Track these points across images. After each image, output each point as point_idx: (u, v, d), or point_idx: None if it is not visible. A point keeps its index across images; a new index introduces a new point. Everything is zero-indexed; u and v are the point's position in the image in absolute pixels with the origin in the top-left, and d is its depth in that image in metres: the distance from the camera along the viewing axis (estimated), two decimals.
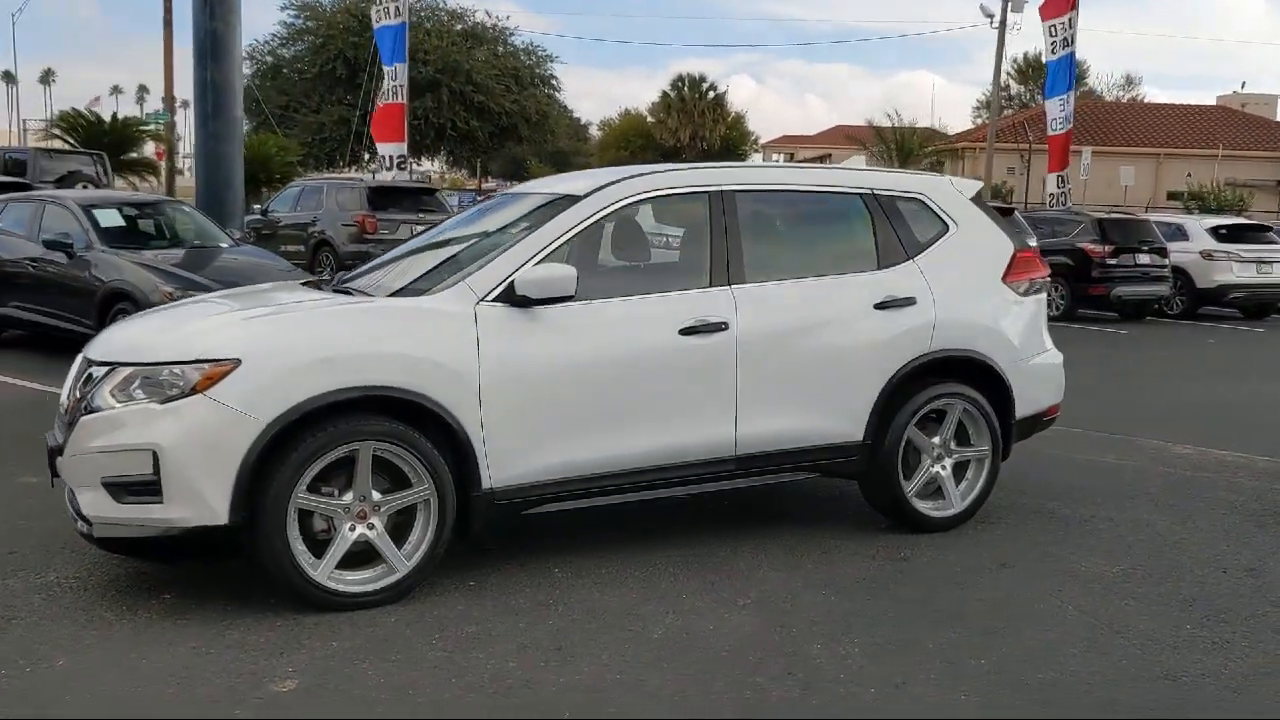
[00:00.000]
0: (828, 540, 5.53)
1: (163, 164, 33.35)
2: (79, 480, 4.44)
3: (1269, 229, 20.50)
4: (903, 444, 5.53)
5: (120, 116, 34.61)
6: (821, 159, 57.78)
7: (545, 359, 4.76)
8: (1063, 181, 24.54)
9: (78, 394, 4.57)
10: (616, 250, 5.69)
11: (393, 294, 4.91)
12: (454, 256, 5.15)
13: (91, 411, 4.40)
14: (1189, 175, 43.90)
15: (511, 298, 4.72)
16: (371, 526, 4.51)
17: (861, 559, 5.27)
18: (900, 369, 5.47)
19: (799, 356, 5.27)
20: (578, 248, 5.30)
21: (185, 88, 15.76)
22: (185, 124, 51.04)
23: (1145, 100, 66.19)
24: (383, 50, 21.89)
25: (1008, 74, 65.23)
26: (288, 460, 4.29)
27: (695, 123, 62.76)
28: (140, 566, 4.86)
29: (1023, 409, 5.87)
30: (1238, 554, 5.49)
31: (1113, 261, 17.79)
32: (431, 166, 50.69)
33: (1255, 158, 48.32)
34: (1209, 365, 13.81)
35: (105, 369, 4.47)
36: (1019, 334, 5.87)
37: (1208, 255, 18.81)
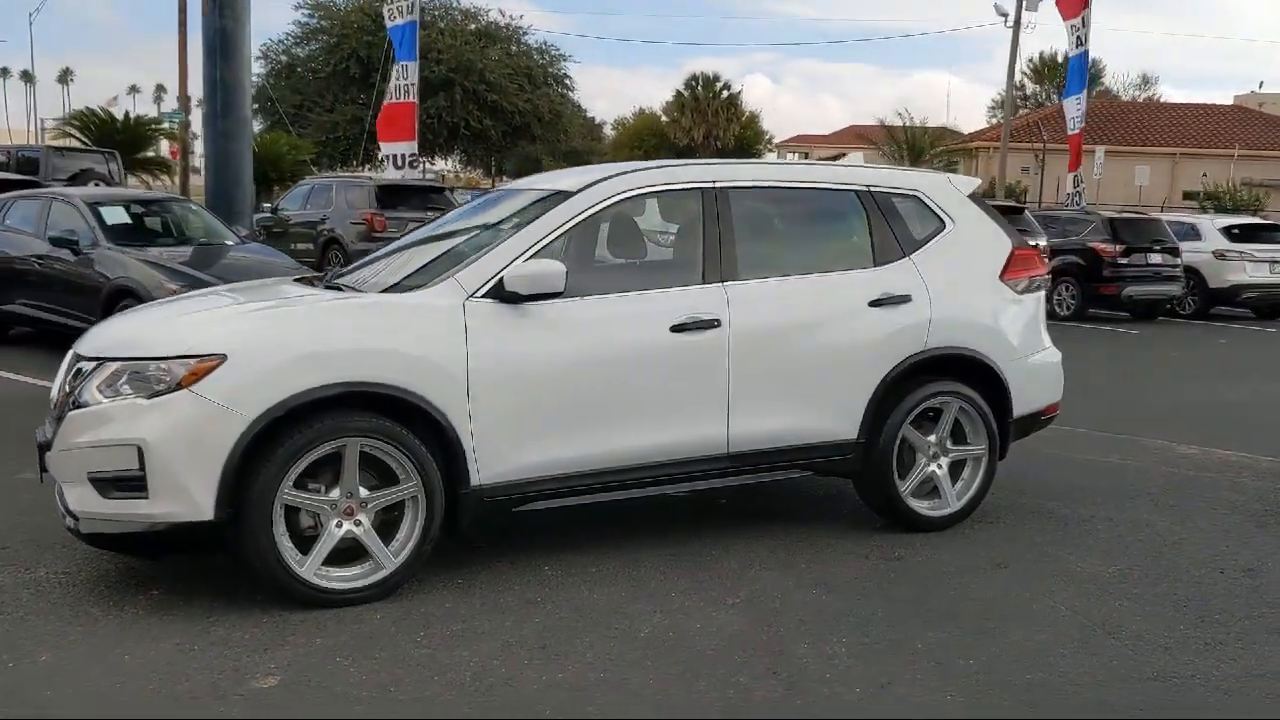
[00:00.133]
0: (822, 539, 5.50)
1: (177, 162, 33.46)
2: (66, 475, 4.43)
3: None
4: (897, 443, 5.49)
5: (133, 115, 34.76)
6: (835, 158, 57.71)
7: (535, 355, 4.73)
8: (1077, 181, 24.45)
9: (67, 389, 4.57)
10: (613, 247, 5.66)
11: (382, 290, 4.90)
12: (446, 252, 5.14)
13: (79, 407, 4.40)
14: (1204, 175, 43.62)
15: (501, 294, 4.69)
16: (359, 523, 4.49)
17: (855, 558, 5.23)
18: (895, 367, 5.43)
19: (792, 354, 5.23)
20: (573, 244, 5.28)
21: (199, 86, 15.75)
22: (200, 123, 51.16)
23: (1161, 100, 65.81)
24: (402, 47, 21.87)
25: (1023, 73, 65.02)
26: (273, 456, 4.28)
27: (709, 122, 62.70)
28: (129, 562, 4.85)
29: (1020, 408, 5.82)
30: (1236, 554, 5.43)
31: (1124, 261, 17.69)
32: (445, 166, 50.75)
33: (1272, 157, 47.95)
34: (1219, 365, 13.71)
35: (93, 364, 4.47)
36: (1016, 332, 5.83)
37: (1220, 255, 18.68)
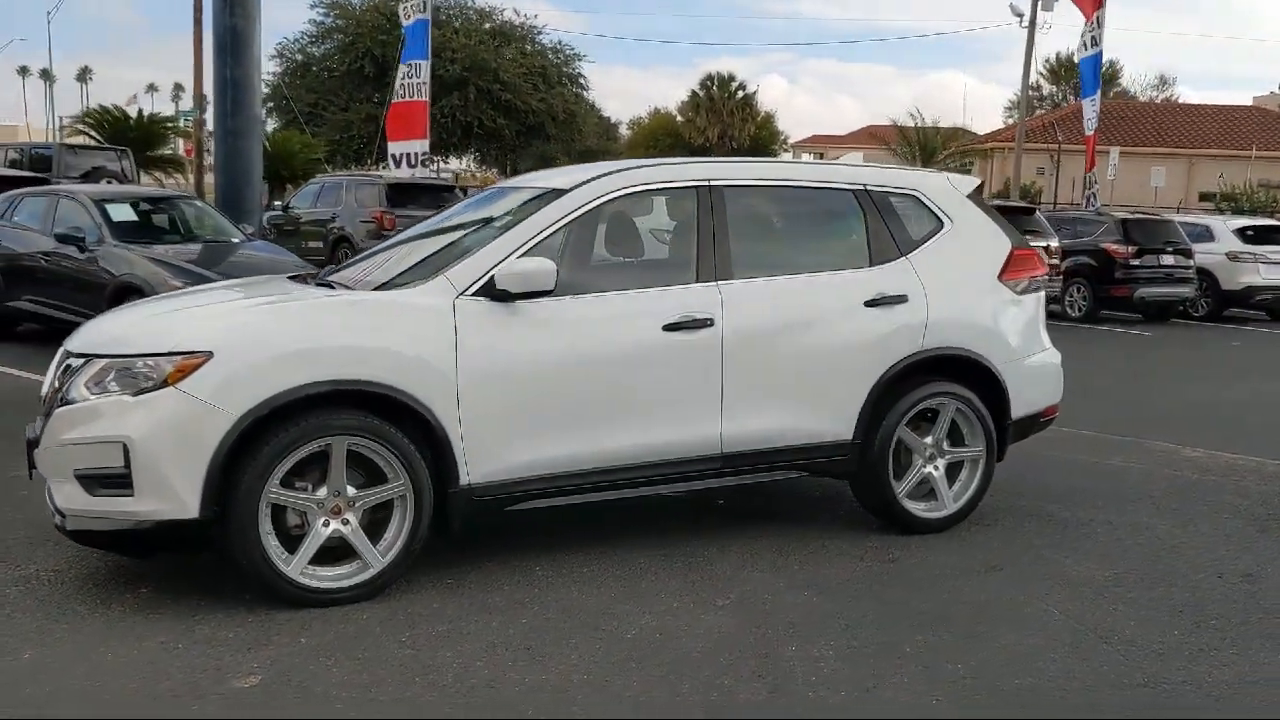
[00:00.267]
0: (817, 540, 5.45)
1: (192, 160, 33.57)
2: (53, 472, 4.43)
3: None
4: (893, 444, 5.44)
5: (147, 113, 34.89)
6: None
7: (526, 354, 4.71)
8: (1090, 181, 24.33)
9: (56, 385, 4.56)
10: (610, 245, 5.64)
11: (372, 287, 4.88)
12: (439, 250, 5.11)
13: (67, 403, 4.39)
14: (1221, 176, 43.31)
15: (492, 292, 4.67)
16: (346, 522, 4.47)
17: (849, 560, 5.19)
18: (891, 367, 5.38)
19: (786, 354, 5.20)
20: (570, 242, 5.25)
21: None
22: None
23: (1179, 101, 65.44)
24: (414, 45, 21.84)
25: (1039, 74, 64.78)
26: (259, 454, 4.27)
27: (724, 122, 62.61)
28: (120, 560, 4.84)
29: (1019, 409, 5.77)
30: (1236, 559, 5.37)
31: (1136, 262, 17.58)
32: (460, 165, 50.79)
33: None
34: (1230, 368, 13.61)
35: (82, 361, 4.47)
36: (1015, 333, 5.77)
37: (1234, 257, 18.55)
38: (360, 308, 4.69)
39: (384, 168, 27.60)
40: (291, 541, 4.42)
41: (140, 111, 34.60)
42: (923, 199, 5.72)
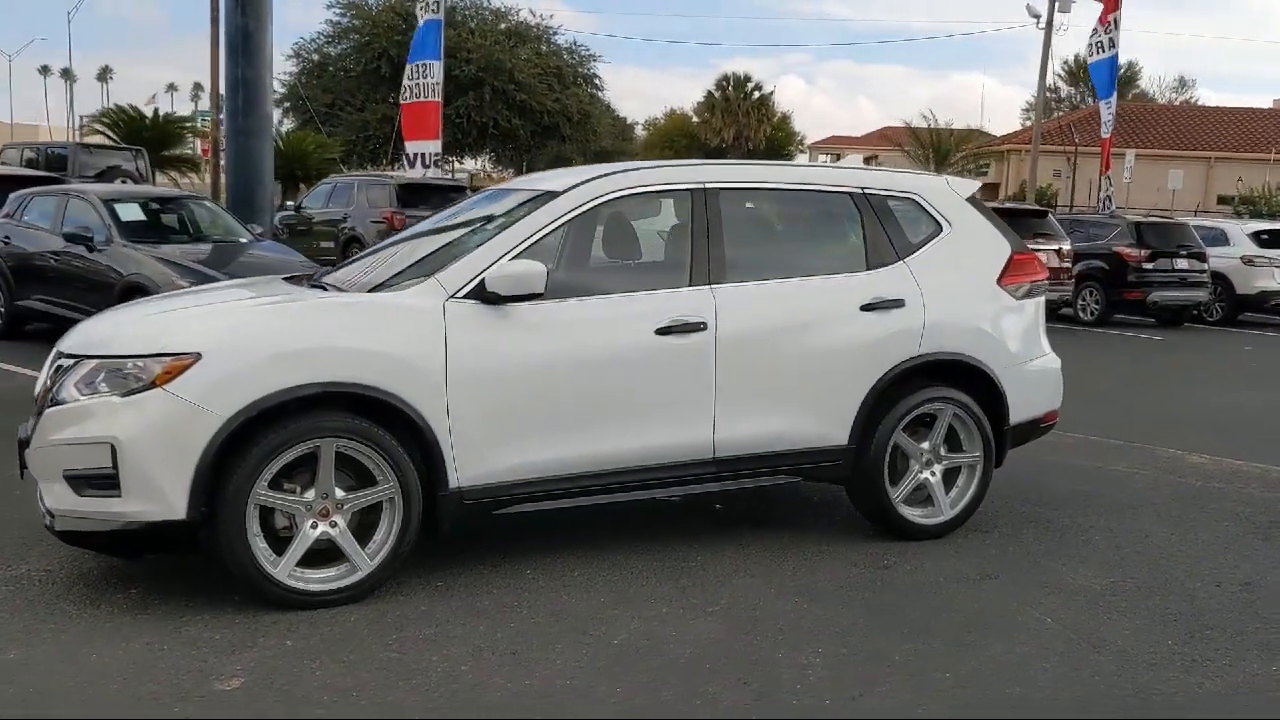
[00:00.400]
0: (811, 546, 5.42)
1: (208, 160, 33.70)
2: (43, 472, 4.43)
3: None
4: (889, 449, 5.40)
5: (164, 113, 35.04)
6: (868, 160, 57.41)
7: (516, 357, 4.69)
8: (1105, 184, 24.20)
9: (48, 385, 4.56)
10: (607, 248, 5.62)
11: (363, 289, 4.87)
12: (431, 252, 5.09)
13: (57, 404, 4.39)
14: (1240, 179, 43.02)
15: (483, 294, 4.65)
16: (334, 524, 4.46)
17: (843, 566, 5.16)
18: (887, 372, 5.34)
19: (780, 358, 5.16)
20: (567, 245, 5.23)
21: None
22: None
23: (1199, 103, 65.06)
24: (425, 46, 21.78)
25: (1057, 75, 64.48)
26: (248, 456, 4.26)
27: (740, 123, 62.54)
28: (112, 560, 4.84)
29: (1017, 415, 5.72)
30: (1236, 567, 5.32)
31: (1149, 266, 17.47)
32: (475, 165, 50.86)
33: None
34: (1241, 372, 13.51)
35: (72, 361, 4.47)
36: (1014, 337, 5.73)
37: (1249, 261, 18.44)
38: (350, 310, 4.68)
39: (398, 168, 27.67)
40: (280, 543, 4.41)
41: (156, 111, 34.74)
42: (921, 202, 5.68)
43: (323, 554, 4.48)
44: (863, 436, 5.34)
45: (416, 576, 4.75)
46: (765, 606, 4.62)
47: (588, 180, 5.09)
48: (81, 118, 57.49)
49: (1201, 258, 17.90)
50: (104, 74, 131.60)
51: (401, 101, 22.27)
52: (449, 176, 30.42)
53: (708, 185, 5.24)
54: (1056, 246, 16.50)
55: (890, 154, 52.80)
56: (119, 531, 4.29)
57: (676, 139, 64.70)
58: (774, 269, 5.33)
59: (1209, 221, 21.37)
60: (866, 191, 5.57)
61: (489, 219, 5.22)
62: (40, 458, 4.42)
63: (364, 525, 4.55)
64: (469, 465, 4.61)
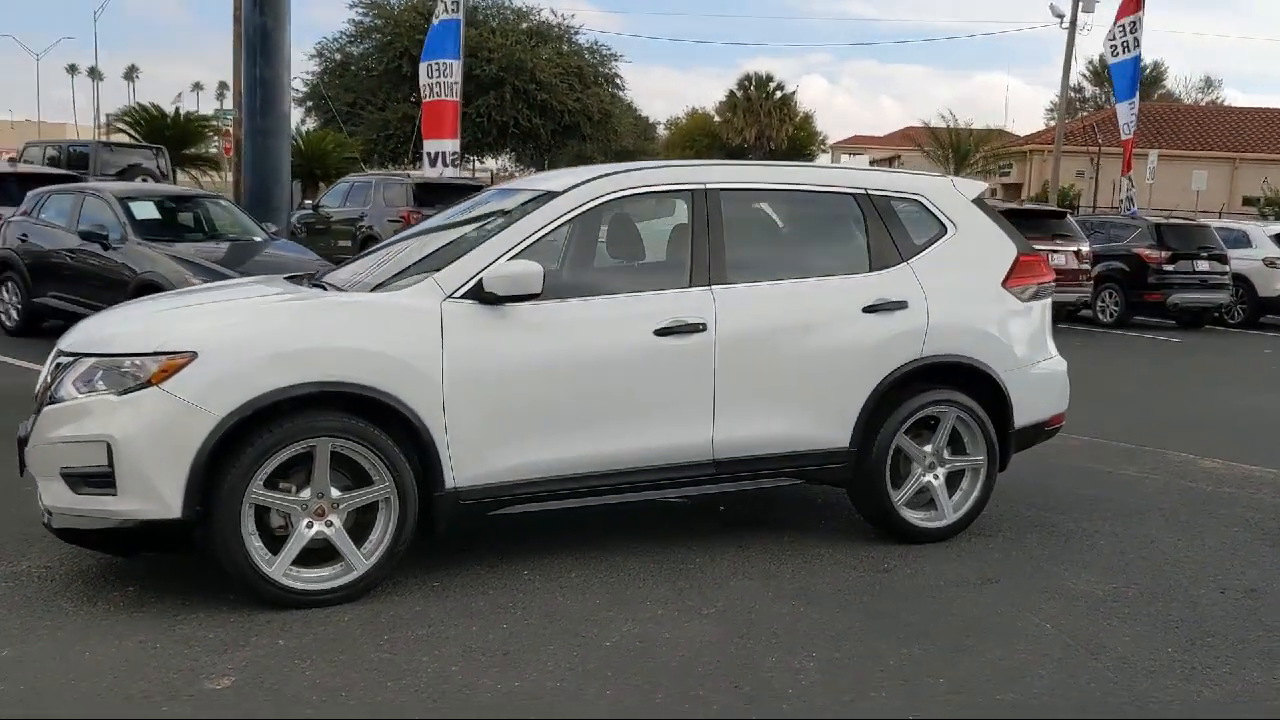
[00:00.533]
0: (812, 549, 5.39)
1: (230, 159, 33.87)
2: (41, 470, 4.45)
3: None
4: (891, 452, 5.36)
5: (185, 111, 35.26)
6: (891, 161, 57.21)
7: (514, 357, 4.68)
8: (1127, 185, 23.99)
9: (47, 383, 4.58)
10: (611, 248, 5.61)
11: (362, 289, 4.87)
12: (431, 252, 5.08)
13: (55, 402, 4.41)
14: (1265, 180, 42.63)
15: (480, 295, 4.65)
16: (330, 524, 4.46)
17: (842, 569, 5.12)
18: (889, 374, 5.31)
19: (781, 360, 5.13)
20: (564, 245, 5.21)
21: None
22: None
23: (1225, 103, 64.52)
24: (442, 44, 21.71)
25: (1082, 75, 64.15)
26: (243, 455, 4.26)
27: (761, 122, 62.41)
28: (111, 558, 4.85)
29: (1022, 418, 5.67)
30: (1241, 574, 5.25)
31: (1170, 268, 17.33)
32: (496, 165, 50.93)
33: None
34: (1263, 375, 13.39)
35: (71, 359, 4.49)
36: (1019, 340, 5.68)
37: (1271, 263, 18.27)
38: (346, 309, 4.68)
39: (419, 167, 27.72)
40: (276, 542, 4.42)
41: (177, 110, 34.95)
42: (926, 203, 5.64)
43: (318, 553, 4.48)
44: (864, 439, 5.31)
45: (413, 577, 4.75)
46: (762, 609, 4.59)
47: (588, 180, 5.08)
48: (106, 116, 57.84)
49: (1223, 260, 17.74)
50: (130, 73, 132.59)
51: (422, 100, 22.24)
52: (469, 176, 30.46)
53: (709, 186, 5.22)
54: (1075, 248, 16.38)
55: (913, 154, 52.62)
56: (114, 530, 4.31)
57: (698, 139, 64.63)
58: (775, 270, 5.30)
59: (1231, 223, 21.18)
60: (870, 192, 5.54)
61: (489, 219, 5.20)
62: (38, 455, 4.44)
63: (360, 525, 4.55)
64: (465, 465, 4.60)
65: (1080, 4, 32.95)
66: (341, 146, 33.27)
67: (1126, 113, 24.54)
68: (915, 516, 5.49)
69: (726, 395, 5.02)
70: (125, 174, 21.09)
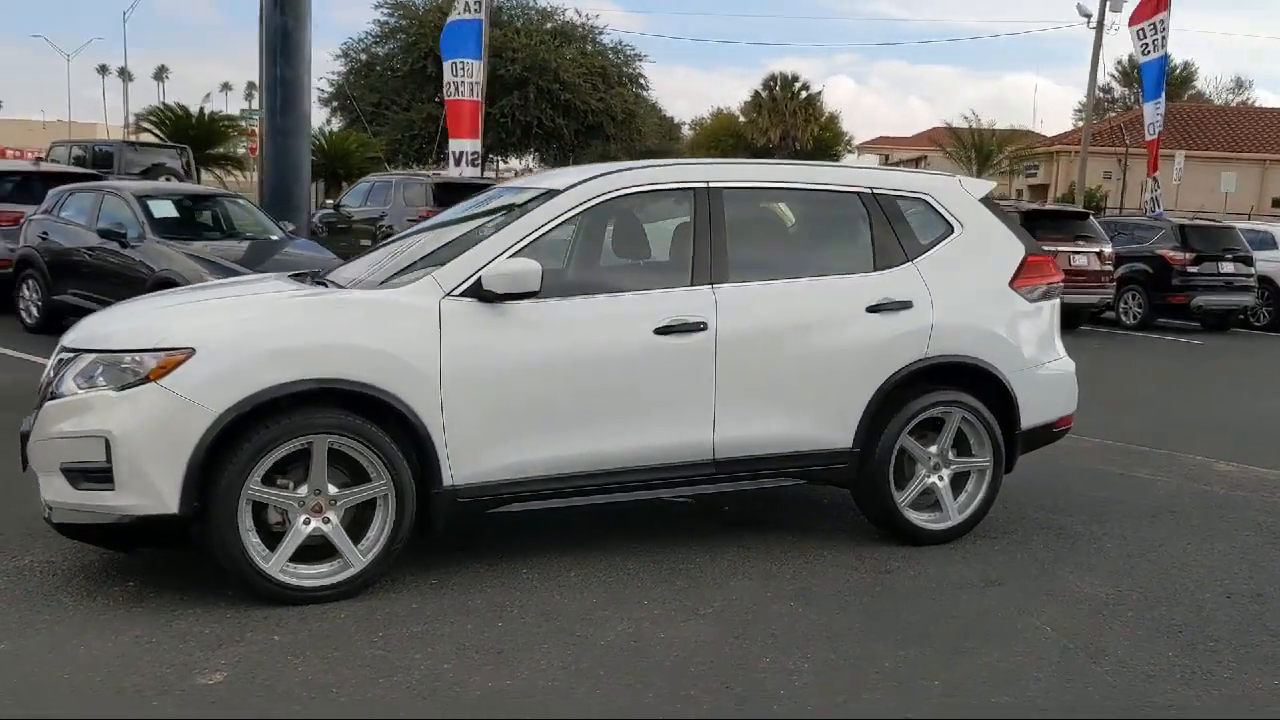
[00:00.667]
0: (815, 549, 5.36)
1: (255, 158, 34.08)
2: (42, 465, 4.48)
3: None
4: (895, 453, 5.33)
5: (210, 111, 35.48)
6: (917, 161, 56.94)
7: (512, 355, 4.67)
8: (1152, 186, 23.81)
9: (49, 379, 4.61)
10: (616, 247, 5.59)
11: (362, 287, 4.88)
12: (433, 250, 5.09)
13: (55, 397, 4.44)
14: None
15: (479, 293, 4.64)
16: (327, 520, 4.47)
17: (844, 570, 5.09)
18: (893, 374, 5.27)
19: (783, 359, 5.11)
20: (564, 243, 5.20)
21: None
22: None
23: (1256, 104, 63.89)
24: (464, 44, 21.72)
25: (1111, 76, 63.64)
26: (240, 451, 4.28)
27: (786, 123, 62.25)
28: (114, 553, 4.87)
29: (1029, 419, 5.62)
30: (1249, 578, 5.19)
31: (1194, 269, 17.15)
32: (519, 165, 51.01)
33: None
34: None
35: (72, 355, 4.52)
36: (1026, 341, 5.63)
37: None
38: (345, 307, 4.69)
39: (443, 167, 27.79)
40: (273, 539, 4.43)
41: (202, 110, 35.15)
42: (932, 203, 5.60)
43: (316, 550, 4.49)
44: (867, 439, 5.27)
45: (410, 574, 4.75)
46: (760, 610, 4.57)
47: (589, 179, 5.07)
48: (135, 115, 58.33)
49: (1248, 261, 17.55)
50: (160, 73, 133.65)
51: (446, 98, 22.28)
52: (491, 175, 30.49)
53: (711, 184, 5.20)
54: (1097, 249, 16.25)
55: (936, 155, 52.38)
56: (113, 525, 4.33)
57: (723, 139, 64.54)
58: (778, 269, 5.28)
59: (1257, 224, 20.96)
60: (875, 192, 5.50)
61: (491, 217, 5.20)
62: (39, 450, 4.47)
63: (357, 522, 4.56)
64: (463, 463, 4.60)
65: (1108, 3, 32.71)
66: (364, 146, 33.38)
67: (1152, 113, 24.37)
68: (919, 518, 5.46)
69: (727, 395, 5.00)
70: (149, 173, 21.21)
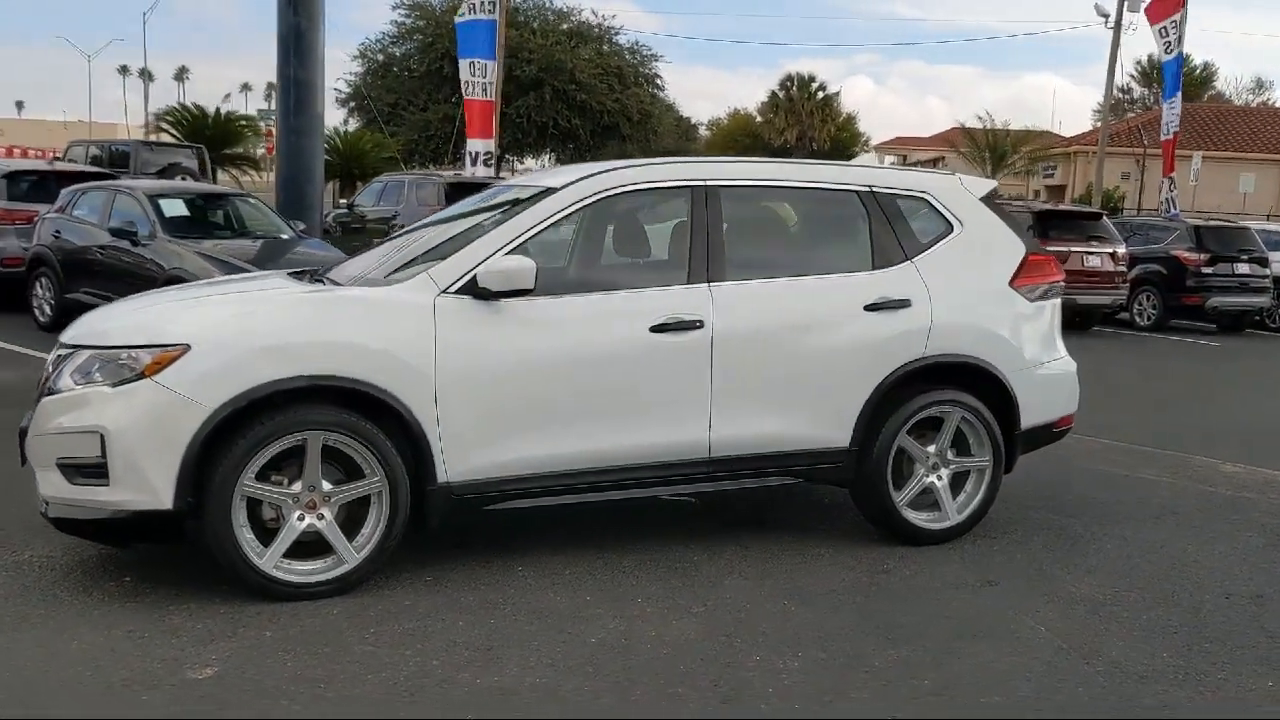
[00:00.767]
0: (813, 548, 5.35)
1: (272, 159, 34.21)
2: (39, 460, 4.51)
3: None
4: (893, 452, 5.31)
5: (227, 111, 35.65)
6: (935, 162, 56.76)
7: (507, 353, 4.68)
8: (1169, 186, 23.67)
9: (48, 374, 4.64)
10: (617, 245, 5.59)
11: (359, 284, 4.89)
12: (430, 248, 5.09)
13: (53, 393, 4.47)
14: None
15: (474, 290, 4.65)
16: (321, 517, 4.48)
17: (840, 570, 5.08)
18: (891, 373, 5.25)
19: (779, 358, 5.10)
20: (560, 241, 5.20)
21: None
22: None
23: (1276, 105, 63.43)
24: (475, 44, 21.74)
25: (1130, 76, 63.28)
26: (234, 448, 4.30)
27: (803, 123, 62.16)
28: (113, 549, 4.89)
29: (1029, 419, 5.59)
30: (1249, 580, 5.15)
31: (1209, 270, 17.06)
32: (535, 165, 51.04)
33: None
34: None
35: (69, 351, 4.54)
36: (1026, 340, 5.60)
37: None
38: (340, 304, 4.71)
39: (459, 167, 27.85)
40: (268, 535, 4.45)
41: (218, 110, 35.36)
42: (932, 201, 5.58)
43: (310, 546, 4.51)
44: (865, 438, 5.26)
45: (406, 571, 4.77)
46: (752, 609, 4.56)
47: (585, 177, 5.07)
48: (152, 116, 58.66)
49: (1263, 262, 17.44)
50: (181, 74, 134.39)
51: (465, 97, 22.29)
52: (506, 175, 30.48)
53: (709, 182, 5.19)
54: (1110, 249, 16.17)
55: (949, 155, 52.21)
56: (107, 520, 4.35)
57: (740, 139, 64.46)
58: (775, 267, 5.27)
59: (1272, 225, 20.80)
60: (874, 190, 5.48)
61: (488, 215, 5.21)
62: (36, 446, 4.50)
63: (352, 519, 4.57)
64: (458, 460, 4.61)
65: (1125, 3, 32.53)
66: (379, 147, 33.48)
67: (1167, 113, 24.24)
68: (918, 518, 5.44)
69: (723, 393, 4.99)
70: (165, 173, 21.31)
